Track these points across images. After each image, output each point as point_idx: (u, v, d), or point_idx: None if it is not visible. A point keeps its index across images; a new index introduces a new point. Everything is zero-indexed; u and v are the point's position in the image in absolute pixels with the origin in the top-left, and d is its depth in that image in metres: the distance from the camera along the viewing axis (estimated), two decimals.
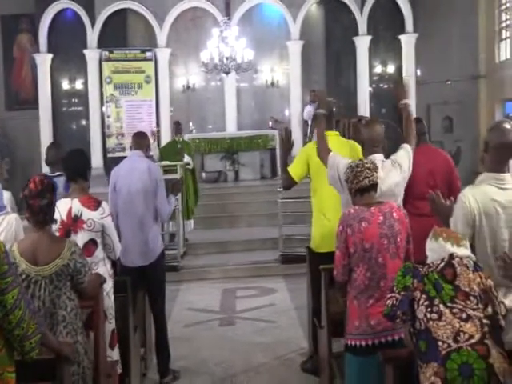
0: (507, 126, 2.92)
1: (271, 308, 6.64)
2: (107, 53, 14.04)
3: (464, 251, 2.41)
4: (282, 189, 6.64)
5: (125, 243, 4.36)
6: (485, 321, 2.23)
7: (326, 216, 4.42)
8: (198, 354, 5.31)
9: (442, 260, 2.39)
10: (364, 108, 13.97)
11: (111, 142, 14.08)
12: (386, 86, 14.57)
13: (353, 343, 3.05)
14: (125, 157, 11.92)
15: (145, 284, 4.73)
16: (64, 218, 3.78)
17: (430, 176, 4.63)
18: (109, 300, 3.91)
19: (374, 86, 14.54)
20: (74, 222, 3.78)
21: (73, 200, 3.82)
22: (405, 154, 3.83)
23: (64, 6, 13.89)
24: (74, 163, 3.95)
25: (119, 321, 4.09)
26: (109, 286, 3.90)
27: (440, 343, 2.21)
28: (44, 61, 14.03)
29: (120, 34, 14.21)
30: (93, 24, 13.90)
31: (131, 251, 4.55)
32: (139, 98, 14.18)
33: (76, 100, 14.53)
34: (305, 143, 11.04)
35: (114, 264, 4.27)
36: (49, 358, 2.68)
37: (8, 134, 14.03)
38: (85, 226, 3.78)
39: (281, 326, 5.97)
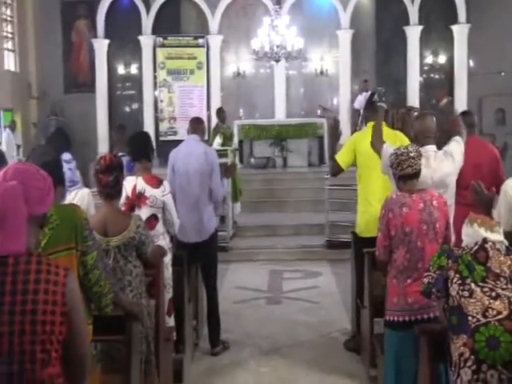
0: None
1: (316, 290, 6.92)
2: (161, 39, 14.50)
3: (497, 236, 2.64)
4: (329, 176, 6.91)
5: (181, 220, 4.70)
6: None
7: (371, 202, 4.66)
8: (246, 328, 5.66)
9: (476, 243, 2.62)
10: (413, 98, 14.00)
11: (163, 126, 14.58)
12: (437, 77, 14.54)
13: (391, 318, 3.33)
14: (176, 140, 12.41)
15: (198, 259, 5.10)
16: (129, 194, 4.15)
17: (476, 168, 4.79)
18: (167, 271, 4.28)
19: (424, 76, 14.52)
20: (137, 198, 4.16)
21: (137, 178, 4.20)
22: (457, 146, 3.99)
23: None
24: (139, 144, 4.34)
25: (175, 292, 4.46)
26: (168, 259, 4.26)
27: (470, 318, 2.45)
28: (101, 46, 14.60)
29: (174, 20, 14.64)
30: (148, 11, 14.37)
31: (187, 228, 4.88)
32: (191, 84, 14.61)
33: (131, 84, 15.09)
34: (353, 132, 11.19)
35: (172, 239, 4.65)
36: (120, 315, 3.04)
37: (66, 116, 14.68)
38: (148, 202, 4.15)
39: (325, 307, 6.26)
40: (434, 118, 3.99)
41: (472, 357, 2.37)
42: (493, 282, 2.51)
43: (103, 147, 14.39)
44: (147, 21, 14.39)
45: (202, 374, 4.72)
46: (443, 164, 3.81)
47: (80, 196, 3.98)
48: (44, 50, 14.95)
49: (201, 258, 5.12)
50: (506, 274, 2.53)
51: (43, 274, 1.73)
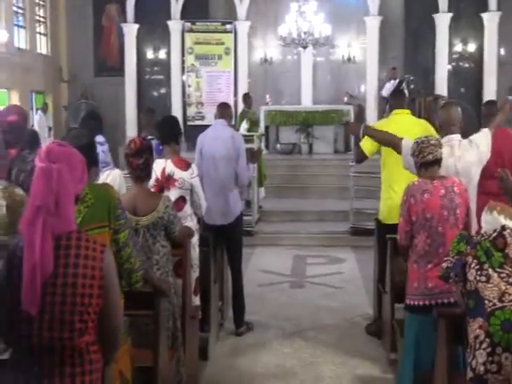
0: None
1: (339, 276, 7.03)
2: (189, 24, 14.62)
3: None
4: (354, 163, 6.98)
5: (207, 203, 4.82)
6: None
7: (394, 189, 4.72)
8: (270, 310, 5.79)
9: (495, 231, 2.70)
10: (442, 87, 13.90)
11: (191, 111, 14.73)
12: (466, 65, 14.40)
13: (411, 303, 3.42)
14: (204, 125, 12.52)
15: (224, 241, 5.23)
16: (159, 176, 4.29)
17: (497, 155, 4.81)
18: (194, 251, 4.41)
19: (453, 64, 14.40)
20: (167, 180, 4.29)
21: (166, 161, 4.33)
22: (484, 137, 4.04)
23: None
24: (167, 128, 4.47)
25: (201, 272, 4.61)
26: (195, 239, 4.40)
27: (486, 302, 2.54)
28: (131, 30, 14.78)
29: (202, 6, 14.74)
30: None
31: (213, 211, 5.00)
32: (218, 69, 14.72)
33: (159, 69, 15.26)
34: (380, 119, 11.19)
35: (199, 221, 4.78)
36: (149, 291, 3.19)
37: (96, 99, 14.91)
38: (176, 184, 4.28)
39: (348, 292, 6.36)
40: (460, 109, 4.03)
41: (487, 339, 2.46)
42: (510, 269, 2.59)
43: (131, 130, 14.61)
44: (176, 6, 14.50)
45: (226, 353, 4.87)
46: (467, 153, 3.85)
47: (112, 177, 4.13)
48: (75, 34, 15.19)
49: (226, 241, 5.25)
50: None
51: (82, 249, 1.87)
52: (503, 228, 2.68)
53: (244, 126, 9.70)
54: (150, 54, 15.18)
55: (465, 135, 4.17)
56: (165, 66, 15.06)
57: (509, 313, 2.47)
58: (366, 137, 5.00)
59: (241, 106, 14.04)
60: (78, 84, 15.07)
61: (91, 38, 15.33)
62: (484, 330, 2.49)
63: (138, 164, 3.51)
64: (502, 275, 2.58)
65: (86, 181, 2.09)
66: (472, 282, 2.62)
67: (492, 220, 2.71)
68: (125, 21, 14.77)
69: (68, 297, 1.82)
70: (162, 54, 15.15)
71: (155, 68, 15.33)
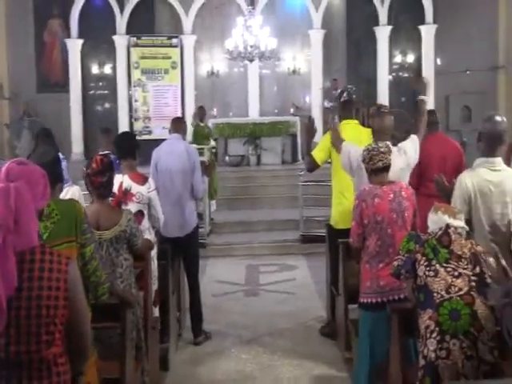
0: (498, 118, 3.46)
1: (292, 282, 7.22)
2: (135, 39, 14.63)
3: (458, 222, 2.95)
4: (305, 172, 7.21)
5: (164, 216, 4.93)
6: (472, 278, 2.77)
7: (345, 195, 4.96)
8: (226, 319, 5.92)
9: (440, 229, 2.93)
10: (383, 96, 14.40)
11: (138, 125, 14.71)
12: (405, 75, 14.99)
13: (365, 301, 3.64)
14: (151, 139, 12.50)
15: (181, 253, 5.34)
16: (116, 191, 4.36)
17: (441, 161, 5.16)
18: (153, 264, 4.51)
19: (393, 74, 14.95)
20: (124, 195, 4.39)
21: (124, 176, 4.42)
22: (411, 144, 4.31)
23: None
24: (124, 144, 4.56)
25: (160, 284, 4.70)
26: (154, 252, 4.49)
27: (435, 294, 2.75)
28: (75, 46, 14.62)
29: (147, 21, 14.76)
30: (122, 11, 14.47)
31: (170, 223, 5.10)
32: (165, 83, 14.77)
33: (105, 84, 15.16)
34: (326, 130, 11.51)
35: (156, 234, 4.87)
36: (115, 303, 3.27)
37: (39, 116, 14.66)
38: (134, 198, 4.38)
39: (301, 298, 6.55)
40: (392, 117, 4.28)
41: (437, 328, 2.67)
42: (455, 263, 2.82)
43: (77, 147, 14.49)
44: (121, 21, 14.49)
45: (185, 362, 4.96)
46: (397, 159, 4.11)
47: (71, 193, 4.19)
48: (16, 51, 14.88)
49: (183, 252, 5.36)
50: (467, 256, 2.84)
51: (46, 263, 1.90)
52: (448, 226, 2.91)
53: (212, 142, 9.81)
54: (95, 69, 15.09)
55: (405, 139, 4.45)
56: (110, 81, 14.99)
57: (455, 303, 2.69)
58: (317, 146, 5.23)
59: (189, 120, 14.20)
60: (20, 101, 14.79)
61: (33, 54, 15.06)
62: (434, 320, 2.70)
63: (102, 182, 3.59)
64: (448, 269, 2.80)
65: (48, 196, 2.12)
66: (421, 277, 2.83)
67: (437, 219, 2.95)
68: (68, 36, 14.63)
69: (33, 309, 1.84)
70: (107, 69, 15.09)
71: (100, 83, 15.23)
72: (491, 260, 2.47)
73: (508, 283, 1.76)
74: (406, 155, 4.24)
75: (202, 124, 10.21)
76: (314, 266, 7.44)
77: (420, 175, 5.06)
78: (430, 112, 5.62)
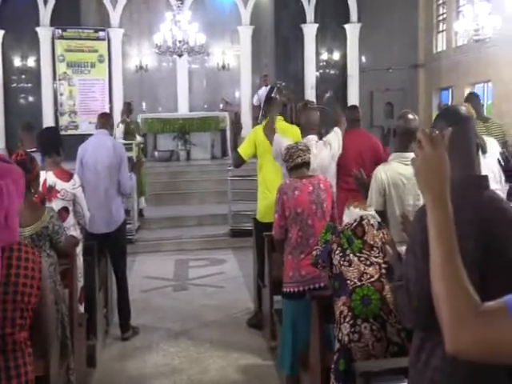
0: (410, 116, 3.70)
1: (221, 276, 7.34)
2: (60, 31, 14.30)
3: (371, 214, 3.14)
4: (232, 167, 7.33)
5: (91, 212, 4.91)
6: (383, 265, 2.97)
7: (270, 190, 5.09)
8: (155, 314, 5.95)
9: (355, 221, 3.11)
10: (311, 92, 14.74)
11: (64, 120, 14.39)
12: (332, 72, 15.38)
13: (288, 290, 3.80)
14: (78, 134, 12.23)
15: (108, 249, 5.33)
16: (40, 188, 4.32)
17: (358, 156, 5.38)
18: (78, 261, 4.48)
19: (320, 71, 15.31)
20: (48, 192, 4.34)
21: (47, 172, 4.37)
22: (335, 136, 4.57)
23: None
24: (48, 139, 4.51)
25: (86, 281, 4.68)
26: (79, 249, 4.48)
27: (349, 282, 2.93)
28: None
29: (72, 13, 14.47)
30: (45, 2, 14.11)
31: (97, 220, 5.09)
32: (92, 77, 14.53)
33: (28, 77, 14.75)
34: (254, 125, 11.68)
35: (81, 230, 4.85)
36: None
37: None
38: (59, 195, 4.34)
39: (229, 291, 6.67)
40: (318, 113, 4.50)
41: (350, 313, 2.85)
42: (368, 252, 3.00)
43: None
44: (45, 12, 14.14)
45: (113, 358, 4.97)
46: (323, 151, 4.31)
47: None
48: None
49: (110, 248, 5.35)
50: (378, 245, 3.03)
51: (23, 253, 2.01)
52: (362, 218, 3.09)
53: (138, 137, 9.70)
54: (17, 62, 14.64)
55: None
56: (34, 74, 14.60)
57: (366, 289, 2.88)
58: (243, 142, 5.36)
59: (117, 115, 14.01)
60: None
61: None
62: (347, 305, 2.87)
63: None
64: (361, 259, 2.99)
65: (23, 195, 2.16)
66: (336, 266, 3.00)
67: (350, 213, 3.13)
68: None
69: (10, 295, 1.95)
70: (30, 62, 14.68)
71: (23, 76, 14.80)
72: (387, 247, 2.65)
73: (402, 269, 1.92)
74: (331, 147, 4.45)
75: (128, 120, 10.13)
76: (243, 260, 7.58)
77: (339, 170, 5.28)
78: (352, 108, 5.87)
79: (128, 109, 10.32)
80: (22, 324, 2.00)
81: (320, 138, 4.65)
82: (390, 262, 2.63)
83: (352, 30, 14.94)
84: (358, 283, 2.90)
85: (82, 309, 4.57)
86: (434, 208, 1.36)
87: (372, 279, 2.91)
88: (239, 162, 5.40)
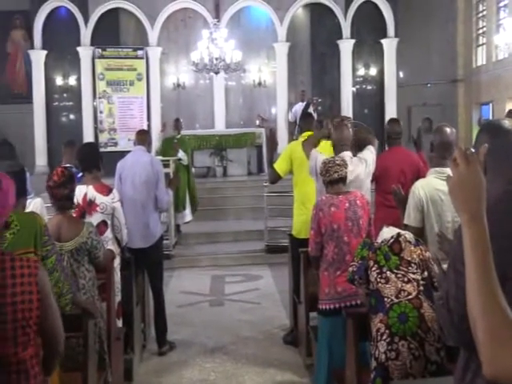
0: (447, 129, 3.66)
1: (257, 292, 7.33)
2: (100, 50, 14.63)
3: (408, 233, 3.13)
4: (268, 183, 7.34)
5: (128, 227, 4.99)
6: (421, 282, 2.93)
7: (306, 206, 5.09)
8: (191, 329, 5.98)
9: (392, 237, 3.08)
10: (347, 108, 14.69)
11: (104, 137, 14.67)
12: (369, 88, 15.33)
13: (323, 307, 3.78)
14: (117, 151, 12.41)
15: (145, 264, 5.40)
16: (80, 201, 4.42)
17: (401, 174, 5.32)
18: (116, 275, 4.55)
19: (357, 86, 15.27)
20: (88, 206, 4.44)
21: (88, 187, 4.47)
22: (369, 153, 4.55)
23: (58, 4, 14.48)
24: (87, 155, 4.62)
25: (123, 295, 4.74)
26: (116, 263, 4.55)
27: (386, 299, 2.90)
28: (38, 57, 14.58)
29: (112, 32, 14.80)
30: (86, 22, 14.46)
31: (134, 234, 5.17)
32: (131, 95, 14.80)
33: (69, 95, 15.10)
34: (290, 141, 11.69)
35: (119, 245, 4.92)
36: (77, 314, 3.32)
37: (0, 126, 14.52)
38: (98, 208, 4.44)
39: (265, 307, 6.67)
40: (351, 129, 4.49)
41: (387, 331, 2.81)
42: (405, 269, 2.97)
43: (41, 159, 14.39)
44: (86, 32, 14.49)
45: (150, 372, 5.01)
46: (358, 167, 4.29)
47: (33, 206, 4.22)
48: None
49: (147, 263, 5.41)
50: (416, 261, 3.00)
51: (17, 269, 1.99)
52: (399, 235, 3.07)
53: (181, 153, 9.78)
54: (59, 81, 15.02)
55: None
56: (75, 93, 14.94)
57: (404, 306, 2.84)
58: (279, 158, 5.38)
59: (155, 132, 14.21)
60: None
61: None
62: (384, 323, 2.84)
63: (63, 195, 3.65)
64: (399, 275, 2.96)
65: (12, 207, 2.21)
66: (373, 282, 2.98)
67: (387, 232, 3.11)
68: (32, 47, 14.57)
69: (9, 315, 1.92)
70: (71, 81, 15.04)
71: (65, 94, 15.16)
72: (434, 266, 2.62)
73: (443, 286, 1.89)
74: (366, 163, 4.43)
75: (177, 136, 10.25)
76: (279, 276, 7.56)
77: (379, 187, 5.23)
78: (393, 121, 5.77)
79: (175, 125, 10.46)
80: (25, 341, 1.97)
81: (354, 155, 4.63)
82: (436, 279, 2.60)
83: (389, 45, 14.87)
84: (396, 300, 2.87)
85: (119, 323, 4.63)
86: (469, 227, 1.35)
87: (410, 296, 2.87)
88: (275, 178, 5.42)
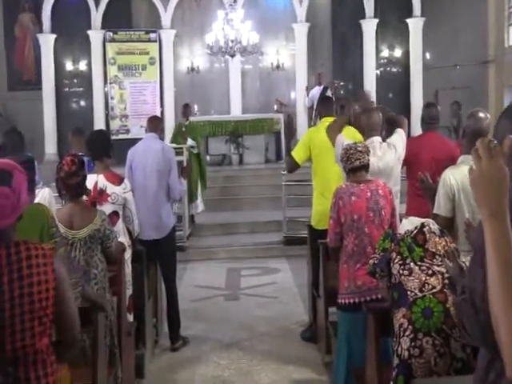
0: (481, 114, 3.59)
1: (274, 286, 7.33)
2: (111, 34, 14.65)
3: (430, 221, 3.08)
4: (286, 172, 7.31)
5: (140, 218, 5.00)
6: (446, 275, 2.89)
7: (325, 195, 5.05)
8: (205, 324, 6.00)
9: (416, 228, 3.05)
10: (370, 92, 14.52)
11: (115, 124, 14.72)
12: (393, 70, 15.17)
13: (343, 301, 3.75)
14: (129, 139, 12.43)
15: (158, 256, 5.41)
16: (91, 190, 4.43)
17: (432, 162, 5.21)
18: (127, 268, 4.58)
19: (381, 69, 15.12)
20: (99, 195, 4.45)
21: (98, 176, 4.49)
22: (399, 138, 4.49)
23: None
24: (98, 143, 4.63)
25: (135, 289, 4.76)
26: (127, 255, 4.57)
27: (409, 293, 2.86)
28: (47, 41, 14.62)
29: (124, 15, 14.83)
30: (97, 4, 14.48)
31: (146, 225, 5.17)
32: (143, 80, 14.81)
33: (79, 81, 15.17)
34: (310, 127, 11.60)
35: (131, 236, 4.94)
36: (86, 307, 3.34)
37: (9, 114, 14.65)
38: (109, 199, 4.45)
39: (283, 302, 6.66)
40: (380, 113, 4.43)
41: (410, 326, 2.78)
42: (429, 261, 2.93)
43: (50, 147, 14.47)
44: (96, 15, 14.51)
45: (162, 368, 5.04)
46: (387, 153, 4.26)
47: (41, 195, 4.24)
48: None
49: (160, 255, 5.43)
50: (441, 253, 2.95)
51: (33, 259, 2.04)
52: (423, 225, 3.03)
53: (190, 141, 9.76)
54: (69, 66, 15.09)
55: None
56: (85, 78, 14.99)
57: (428, 301, 2.81)
58: (297, 146, 5.33)
59: (168, 118, 14.23)
60: None
61: (3, 50, 15.06)
62: (407, 318, 2.81)
63: (74, 183, 3.66)
64: (423, 268, 2.92)
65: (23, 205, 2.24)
66: (396, 275, 2.95)
67: (410, 222, 3.07)
68: (40, 31, 14.63)
69: (26, 305, 1.99)
70: (82, 66, 15.09)
71: (75, 80, 15.23)
72: (446, 261, 2.57)
73: (464, 280, 1.85)
74: (395, 149, 4.38)
75: (185, 123, 10.21)
76: (297, 269, 7.53)
77: (410, 175, 5.12)
78: (429, 106, 5.57)
79: (184, 111, 10.38)
80: (41, 331, 2.03)
81: (383, 140, 4.57)
82: (451, 275, 2.56)
83: (415, 25, 14.66)
84: (419, 294, 2.83)
85: (130, 318, 4.65)
86: (490, 223, 1.33)
87: (434, 290, 2.83)
88: (293, 166, 5.39)
